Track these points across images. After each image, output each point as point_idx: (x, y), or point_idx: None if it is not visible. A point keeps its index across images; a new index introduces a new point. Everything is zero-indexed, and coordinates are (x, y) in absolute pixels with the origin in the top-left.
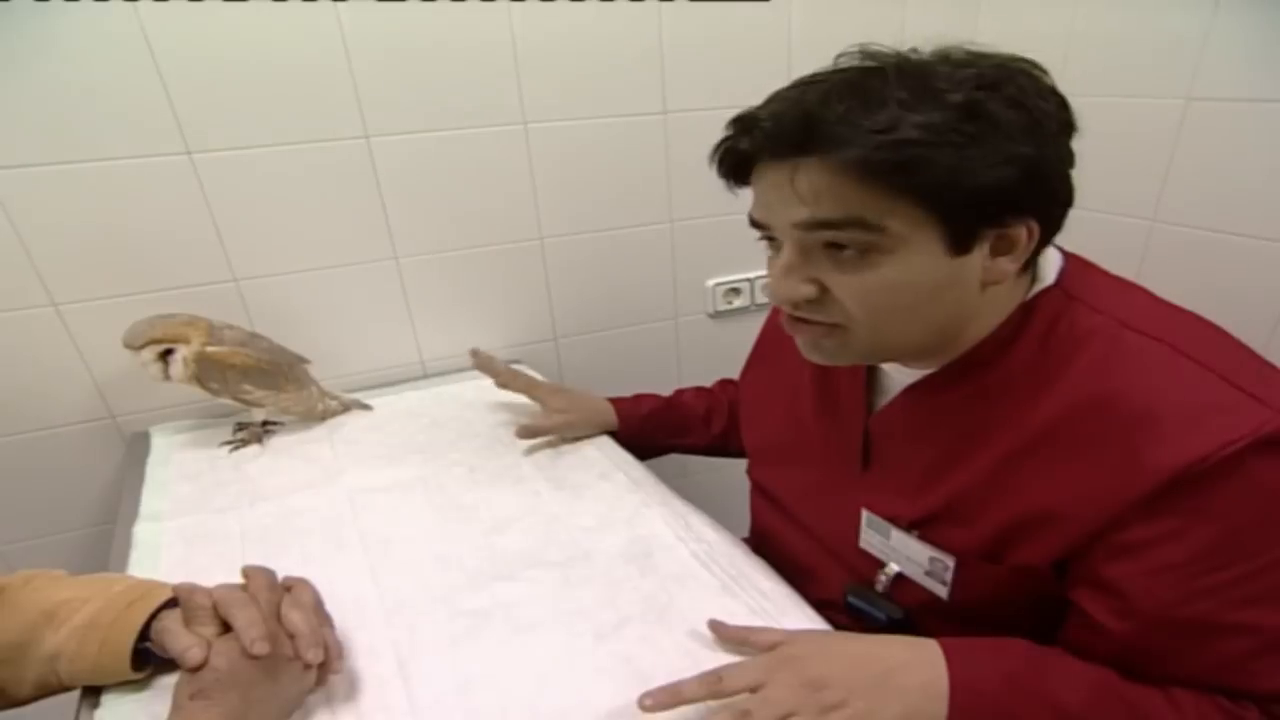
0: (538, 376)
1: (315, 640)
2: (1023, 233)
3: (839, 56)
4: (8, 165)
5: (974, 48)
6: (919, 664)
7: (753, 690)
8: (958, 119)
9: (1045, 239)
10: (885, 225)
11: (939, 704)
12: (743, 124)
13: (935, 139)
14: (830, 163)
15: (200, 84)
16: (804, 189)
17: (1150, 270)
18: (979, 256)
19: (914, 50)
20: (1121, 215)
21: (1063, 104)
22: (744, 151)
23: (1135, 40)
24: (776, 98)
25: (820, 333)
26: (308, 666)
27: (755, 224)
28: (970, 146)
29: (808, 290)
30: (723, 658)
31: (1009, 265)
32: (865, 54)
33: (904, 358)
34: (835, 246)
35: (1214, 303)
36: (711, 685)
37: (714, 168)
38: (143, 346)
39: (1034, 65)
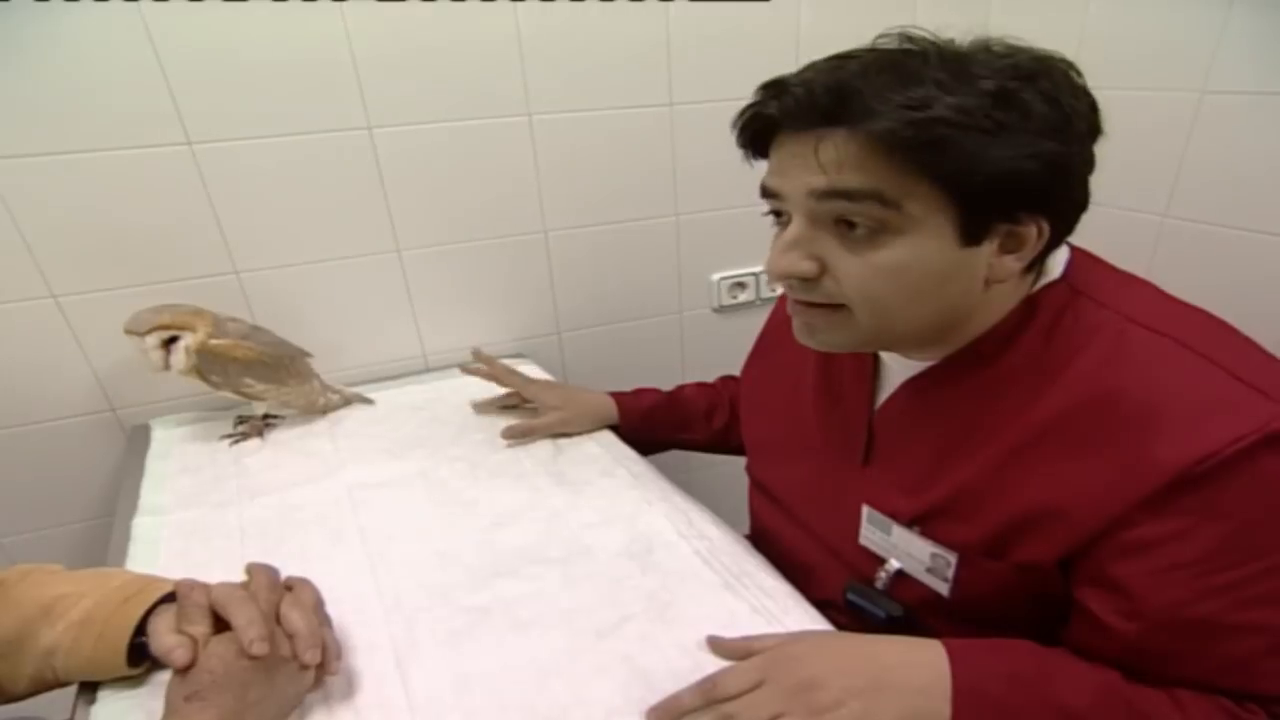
0: (542, 373)
1: (313, 641)
2: (1033, 231)
3: (878, 38)
4: (7, 155)
5: (1014, 41)
6: (921, 664)
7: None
8: (991, 105)
9: (1055, 241)
10: (902, 203)
11: (942, 705)
12: (773, 89)
13: (966, 121)
14: (858, 134)
15: (201, 74)
16: (827, 158)
17: (1161, 266)
18: (987, 251)
19: (951, 41)
20: (1133, 210)
21: (1093, 106)
22: (770, 116)
23: (1149, 33)
24: (811, 67)
25: (820, 315)
26: (304, 667)
27: (767, 193)
28: (999, 134)
29: (807, 267)
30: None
31: (1014, 264)
32: (905, 38)
33: (903, 347)
34: (846, 224)
35: (1225, 299)
36: (707, 692)
37: (735, 134)
38: (148, 332)
39: (1069, 65)
